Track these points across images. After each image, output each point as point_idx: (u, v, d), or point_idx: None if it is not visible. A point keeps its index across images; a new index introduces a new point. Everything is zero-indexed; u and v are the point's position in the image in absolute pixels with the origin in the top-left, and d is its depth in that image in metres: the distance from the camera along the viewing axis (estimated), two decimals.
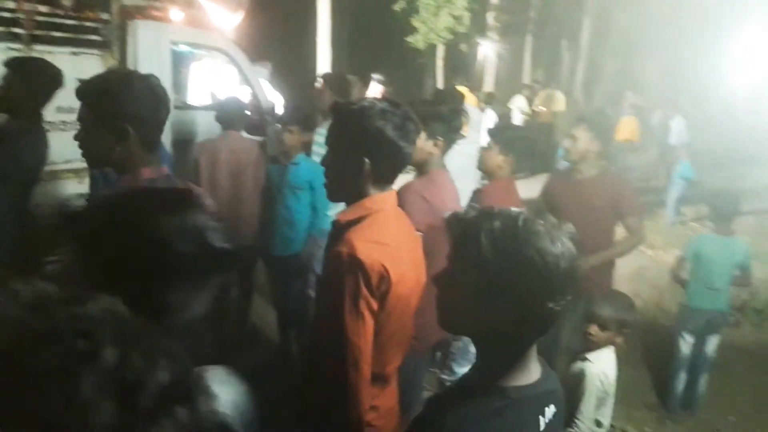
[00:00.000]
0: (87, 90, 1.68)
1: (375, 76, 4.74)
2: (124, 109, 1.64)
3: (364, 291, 1.56)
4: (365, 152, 1.66)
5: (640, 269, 6.70)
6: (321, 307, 1.82)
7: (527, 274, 1.02)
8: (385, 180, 1.73)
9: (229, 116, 4.03)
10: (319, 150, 3.87)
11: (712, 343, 4.02)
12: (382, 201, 1.71)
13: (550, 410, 1.16)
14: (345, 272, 1.57)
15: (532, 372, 1.13)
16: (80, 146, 1.70)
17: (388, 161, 1.69)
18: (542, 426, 1.13)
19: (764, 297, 6.11)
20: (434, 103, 3.37)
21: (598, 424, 2.39)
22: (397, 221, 1.76)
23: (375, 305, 1.60)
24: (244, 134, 4.41)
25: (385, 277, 1.59)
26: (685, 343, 4.01)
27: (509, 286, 1.04)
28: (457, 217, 1.15)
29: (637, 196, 3.55)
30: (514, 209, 1.11)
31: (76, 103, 1.68)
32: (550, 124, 11.51)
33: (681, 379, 4.02)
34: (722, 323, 4.05)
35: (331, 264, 1.63)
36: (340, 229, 1.69)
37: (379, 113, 1.64)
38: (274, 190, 3.94)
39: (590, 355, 2.40)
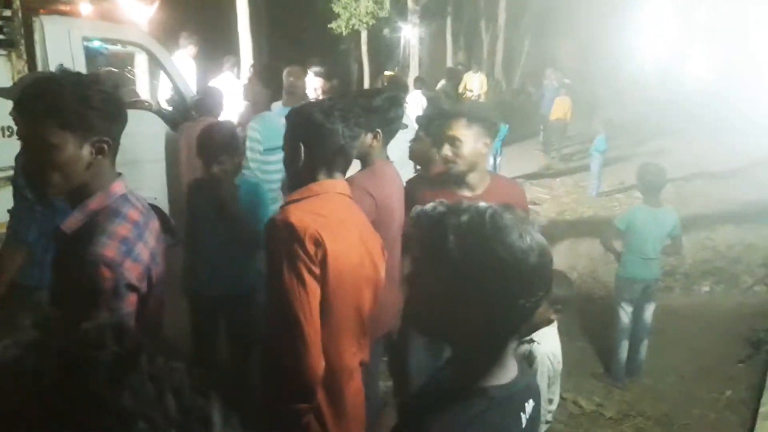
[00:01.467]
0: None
1: (314, 68, 4.61)
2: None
3: (300, 253, 1.63)
4: (302, 140, 1.85)
5: (572, 242, 6.92)
6: (268, 281, 1.84)
7: (495, 271, 0.99)
8: (331, 168, 1.85)
9: (206, 104, 4.57)
10: (254, 145, 3.72)
11: (649, 310, 4.19)
12: (330, 185, 1.82)
13: (529, 405, 1.15)
14: (279, 238, 1.65)
15: (510, 369, 1.11)
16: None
17: (325, 148, 1.83)
18: (524, 422, 1.12)
19: (690, 261, 6.44)
20: (370, 94, 3.28)
21: (550, 401, 2.42)
22: (344, 205, 1.83)
23: (316, 269, 1.65)
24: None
25: (319, 242, 1.65)
26: (624, 313, 4.16)
27: (478, 284, 1.01)
28: (425, 213, 1.09)
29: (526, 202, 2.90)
30: (482, 204, 1.07)
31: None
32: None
33: (624, 348, 4.18)
34: (656, 290, 4.22)
35: (268, 233, 1.72)
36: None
37: (317, 106, 1.85)
38: None
39: (536, 336, 2.43)
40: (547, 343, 2.39)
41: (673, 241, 4.10)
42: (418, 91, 9.16)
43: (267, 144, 3.71)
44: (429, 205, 1.10)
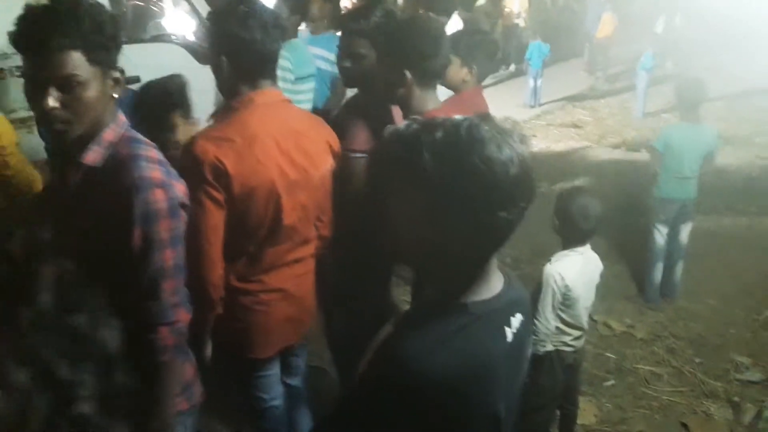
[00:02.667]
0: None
1: None
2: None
3: (199, 180, 1.73)
4: (222, 53, 1.85)
5: (616, 164, 6.73)
6: None
7: (475, 186, 0.96)
8: (254, 79, 1.86)
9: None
10: (285, 74, 3.66)
11: (685, 231, 4.09)
12: (249, 100, 1.85)
13: (516, 319, 1.12)
14: (184, 166, 1.73)
15: (493, 284, 1.09)
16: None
17: (244, 59, 1.83)
18: (509, 337, 1.09)
19: (733, 181, 6.20)
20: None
21: (566, 323, 2.40)
22: (262, 118, 1.86)
23: (217, 194, 1.77)
24: None
25: (220, 169, 1.75)
26: (660, 234, 4.07)
27: (458, 201, 0.97)
28: (397, 132, 1.04)
29: None
30: (457, 117, 1.02)
31: None
32: (516, 26, 11.22)
33: (658, 269, 4.11)
34: (693, 210, 4.10)
35: (180, 161, 1.80)
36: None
37: (233, 14, 1.81)
38: None
39: (553, 257, 2.42)
40: (559, 264, 2.37)
41: (707, 159, 3.92)
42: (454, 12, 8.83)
43: (298, 72, 3.65)
44: (403, 124, 1.06)
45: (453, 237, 1.00)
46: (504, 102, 9.76)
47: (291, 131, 1.92)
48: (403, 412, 0.99)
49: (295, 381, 2.29)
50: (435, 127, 0.99)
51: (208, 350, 1.92)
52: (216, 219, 1.79)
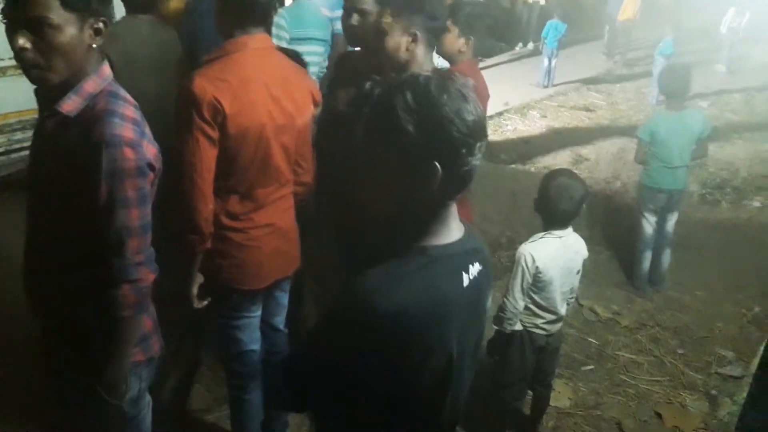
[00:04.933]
0: None
1: None
2: None
3: (195, 118, 1.83)
4: None
5: (621, 151, 6.63)
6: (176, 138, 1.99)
7: (449, 136, 1.03)
8: (245, 24, 1.96)
9: None
10: (280, 32, 3.60)
11: (672, 220, 4.06)
12: (242, 43, 1.94)
13: (474, 268, 1.17)
14: (181, 103, 1.85)
15: (453, 232, 1.15)
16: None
17: (235, 5, 1.95)
18: (466, 281, 1.15)
19: (743, 175, 6.10)
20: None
21: (538, 305, 2.38)
22: (255, 62, 1.95)
23: (212, 132, 1.86)
24: None
25: (217, 107, 1.83)
26: (648, 223, 4.04)
27: (433, 152, 1.03)
28: (370, 93, 1.09)
29: None
30: (424, 74, 1.08)
31: None
32: (537, 3, 10.99)
33: (646, 258, 4.09)
34: (682, 200, 4.07)
35: (176, 98, 1.89)
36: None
37: None
38: None
39: (533, 237, 2.40)
40: (534, 245, 2.34)
41: (699, 144, 3.85)
42: None
43: (295, 33, 3.57)
44: (366, 89, 1.09)
45: (424, 186, 1.06)
46: (517, 80, 9.63)
47: (280, 77, 2.01)
48: (362, 343, 1.05)
49: (278, 321, 2.35)
50: (405, 86, 1.05)
51: (196, 286, 2.02)
52: (209, 156, 1.88)
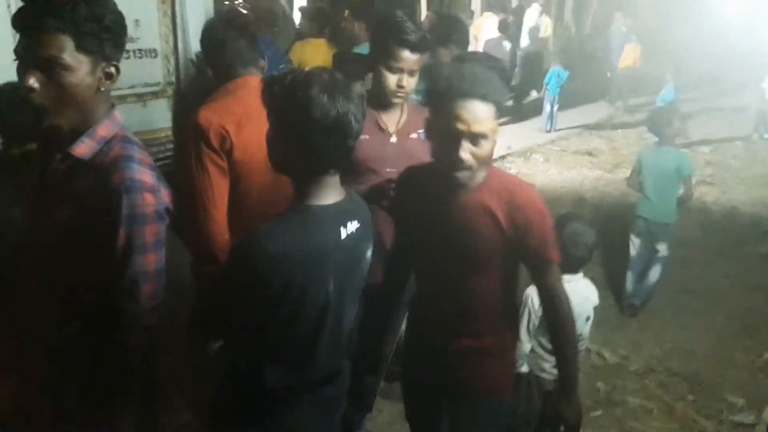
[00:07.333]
0: None
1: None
2: None
3: (204, 148, 1.91)
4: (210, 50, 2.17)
5: (623, 195, 6.62)
6: (181, 172, 2.08)
7: (299, 115, 1.35)
8: (246, 66, 2.10)
9: None
10: None
11: (661, 248, 4.25)
12: (242, 83, 2.06)
13: (352, 224, 1.48)
14: (189, 135, 1.92)
15: (334, 195, 1.46)
16: None
17: (229, 55, 2.10)
18: (343, 235, 1.46)
19: (749, 222, 6.08)
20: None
21: (544, 348, 2.36)
22: (255, 98, 2.01)
23: (221, 162, 1.93)
24: None
25: (224, 136, 1.91)
26: (632, 245, 4.35)
27: (294, 126, 1.37)
28: (273, 81, 1.43)
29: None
30: (308, 69, 1.40)
31: None
32: (537, 53, 11.18)
33: (629, 278, 4.33)
34: (665, 234, 4.23)
35: (183, 132, 2.00)
36: None
37: (219, 23, 2.14)
38: None
39: None
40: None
41: (684, 185, 4.08)
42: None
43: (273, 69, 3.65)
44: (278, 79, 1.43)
45: (295, 153, 1.40)
46: (522, 126, 9.73)
47: None
48: (253, 277, 1.36)
49: None
50: (292, 73, 1.40)
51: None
52: (221, 185, 1.95)
